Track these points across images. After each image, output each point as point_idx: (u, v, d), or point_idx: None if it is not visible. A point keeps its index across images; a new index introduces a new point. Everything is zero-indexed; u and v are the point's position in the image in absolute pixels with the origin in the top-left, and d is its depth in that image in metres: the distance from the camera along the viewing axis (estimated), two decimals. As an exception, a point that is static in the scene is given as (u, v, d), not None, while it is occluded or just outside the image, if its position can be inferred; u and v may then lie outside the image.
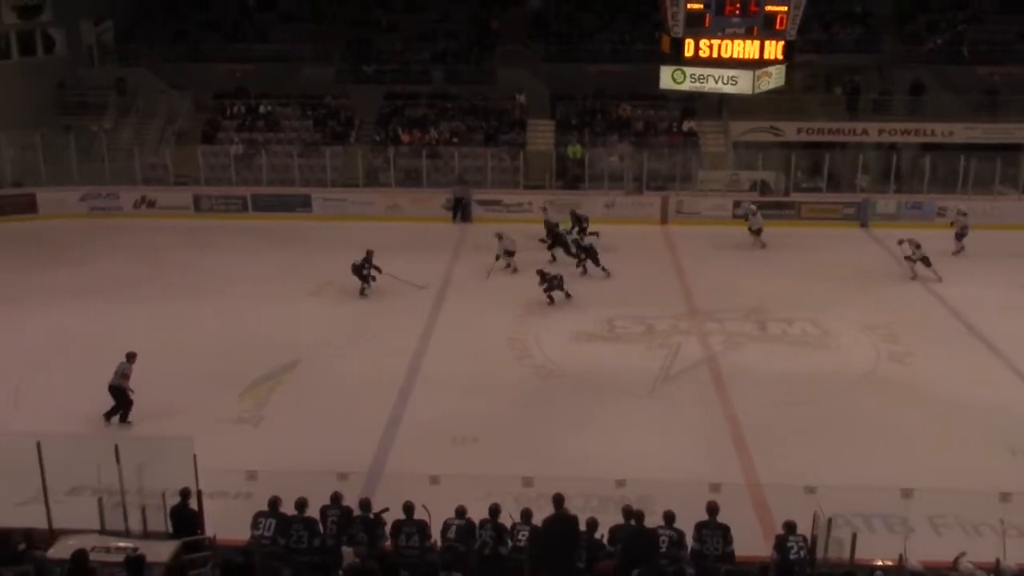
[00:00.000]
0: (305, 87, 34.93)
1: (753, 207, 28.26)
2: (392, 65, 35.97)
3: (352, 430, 16.46)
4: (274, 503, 11.45)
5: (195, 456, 11.95)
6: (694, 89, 17.89)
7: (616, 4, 37.93)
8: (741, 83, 16.92)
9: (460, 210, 30.36)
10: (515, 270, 25.24)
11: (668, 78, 17.67)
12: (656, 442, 16.04)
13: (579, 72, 35.14)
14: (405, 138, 32.81)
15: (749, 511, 13.60)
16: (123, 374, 17.00)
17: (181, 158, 32.24)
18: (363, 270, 23.62)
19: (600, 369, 19.29)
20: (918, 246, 24.36)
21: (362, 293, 23.63)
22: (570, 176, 31.73)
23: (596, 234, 26.75)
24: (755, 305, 22.81)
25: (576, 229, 26.75)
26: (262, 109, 34.14)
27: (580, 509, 11.81)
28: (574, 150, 32.09)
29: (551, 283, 22.90)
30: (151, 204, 31.02)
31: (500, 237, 25.67)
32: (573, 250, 25.66)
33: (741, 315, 22.29)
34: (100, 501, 12.25)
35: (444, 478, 12.39)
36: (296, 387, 18.60)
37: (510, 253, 25.58)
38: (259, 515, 11.43)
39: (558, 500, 11.08)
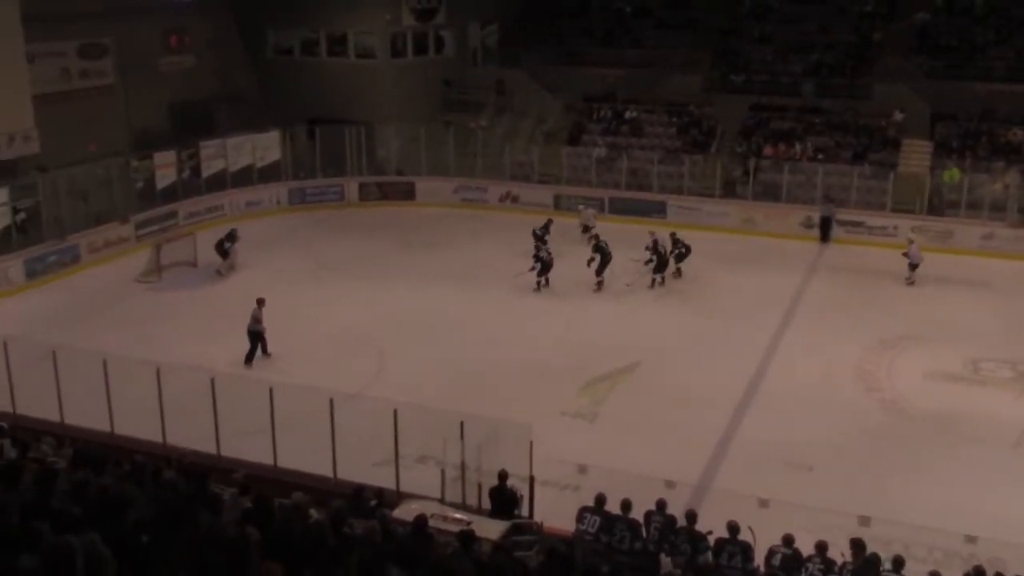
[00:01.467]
0: (672, 94, 35.12)
1: (912, 236, 26.34)
2: (761, 76, 35.23)
3: (684, 439, 16.37)
4: (600, 500, 11.61)
5: (531, 443, 12.43)
6: None
7: (1014, 17, 34.64)
8: None
9: (825, 229, 29.10)
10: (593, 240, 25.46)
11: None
12: (1017, 500, 14.51)
13: (965, 91, 32.43)
14: (768, 151, 32.06)
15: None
16: (256, 319, 19.36)
17: (547, 157, 33.65)
18: (545, 236, 25.68)
19: (959, 413, 17.77)
20: None
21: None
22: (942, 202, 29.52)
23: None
24: None
25: (673, 250, 25.18)
26: (628, 114, 34.78)
27: (921, 560, 10.99)
28: (950, 174, 29.73)
29: (544, 265, 24.04)
30: (515, 199, 32.67)
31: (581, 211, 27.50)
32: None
33: None
34: (443, 473, 13.12)
35: (774, 503, 11.99)
36: (634, 389, 18.81)
37: (587, 228, 27.32)
38: (584, 510, 11.64)
39: (857, 544, 10.55)
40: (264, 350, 19.67)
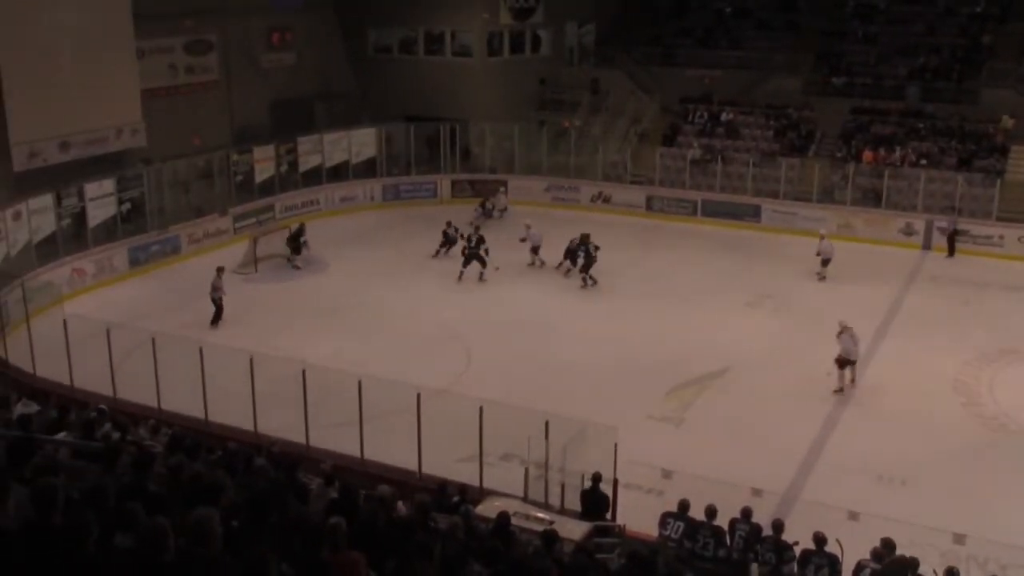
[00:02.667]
0: (770, 96, 34.53)
1: (823, 232, 26.10)
2: (863, 79, 34.39)
3: (772, 448, 16.08)
4: (684, 506, 11.49)
5: (616, 445, 12.37)
6: None
7: None
8: None
9: (952, 242, 27.98)
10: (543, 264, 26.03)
11: None
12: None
13: (1081, 96, 31.20)
14: (868, 156, 31.28)
15: None
16: (215, 287, 21.67)
17: (640, 158, 33.41)
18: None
19: (1064, 432, 17.08)
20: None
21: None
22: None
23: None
24: None
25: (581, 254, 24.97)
26: (724, 116, 34.31)
27: (1019, 582, 10.57)
28: (1061, 183, 28.59)
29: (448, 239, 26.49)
30: (606, 200, 32.52)
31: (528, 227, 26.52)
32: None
33: None
34: (527, 471, 13.14)
35: (864, 516, 11.70)
36: (722, 395, 18.56)
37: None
38: (668, 515, 11.53)
39: (887, 544, 10.46)
40: (220, 315, 21.78)
